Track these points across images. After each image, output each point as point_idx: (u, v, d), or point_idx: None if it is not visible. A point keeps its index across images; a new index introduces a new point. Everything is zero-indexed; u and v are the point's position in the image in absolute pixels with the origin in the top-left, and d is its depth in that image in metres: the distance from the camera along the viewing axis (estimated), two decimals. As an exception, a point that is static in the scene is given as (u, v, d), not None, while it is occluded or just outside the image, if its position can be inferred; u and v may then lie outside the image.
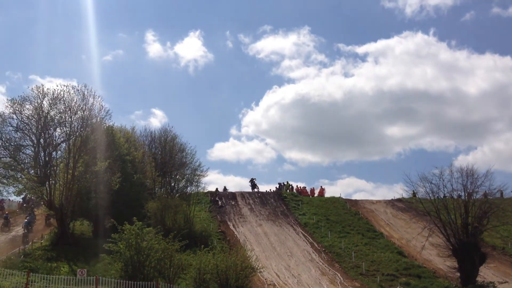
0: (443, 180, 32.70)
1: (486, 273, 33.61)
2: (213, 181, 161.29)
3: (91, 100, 34.95)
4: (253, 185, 58.39)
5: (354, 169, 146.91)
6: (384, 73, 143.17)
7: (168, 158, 46.11)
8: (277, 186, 60.57)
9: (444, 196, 33.07)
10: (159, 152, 47.14)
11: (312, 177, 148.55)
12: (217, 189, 56.89)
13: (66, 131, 34.58)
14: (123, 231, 25.63)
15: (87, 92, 34.87)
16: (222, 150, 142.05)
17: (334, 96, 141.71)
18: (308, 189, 60.86)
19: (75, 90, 34.75)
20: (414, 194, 50.39)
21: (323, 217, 47.70)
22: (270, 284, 30.79)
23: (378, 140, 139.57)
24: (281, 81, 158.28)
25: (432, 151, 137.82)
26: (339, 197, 56.81)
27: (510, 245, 40.52)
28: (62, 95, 34.30)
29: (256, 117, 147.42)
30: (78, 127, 34.52)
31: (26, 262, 29.48)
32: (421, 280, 32.92)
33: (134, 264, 25.24)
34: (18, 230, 38.49)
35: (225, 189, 57.93)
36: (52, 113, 34.70)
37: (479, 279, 30.52)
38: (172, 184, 45.92)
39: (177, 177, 45.95)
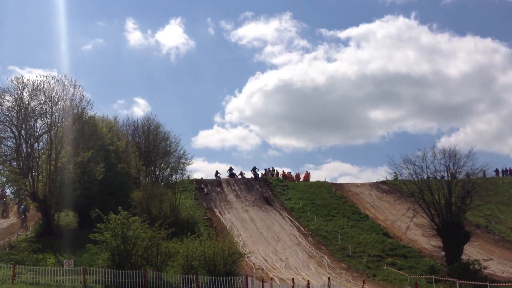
0: (426, 162, 33.11)
1: (470, 251, 34.18)
2: (198, 169, 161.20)
3: (71, 90, 34.62)
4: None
5: (338, 153, 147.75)
6: (366, 57, 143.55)
7: (152, 147, 45.85)
8: (263, 172, 60.27)
9: (428, 177, 33.43)
10: (143, 141, 46.82)
11: (297, 162, 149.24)
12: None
13: (47, 122, 34.22)
14: (109, 221, 25.54)
15: (68, 82, 34.52)
16: (206, 138, 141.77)
17: (317, 81, 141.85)
18: (293, 174, 61.09)
19: (55, 80, 34.38)
20: (396, 176, 51.14)
21: (308, 201, 47.97)
22: (258, 268, 30.96)
23: (361, 124, 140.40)
24: (264, 67, 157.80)
25: (415, 133, 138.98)
26: (324, 181, 57.15)
27: (493, 224, 41.20)
28: (42, 85, 33.92)
29: (239, 104, 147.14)
30: (60, 118, 34.19)
31: (11, 254, 29.31)
32: (407, 260, 33.38)
33: (121, 253, 25.21)
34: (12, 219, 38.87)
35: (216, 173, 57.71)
36: (32, 104, 34.34)
37: (463, 257, 31.01)
38: (157, 173, 45.74)
39: (162, 165, 45.75)
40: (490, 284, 22.08)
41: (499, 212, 41.20)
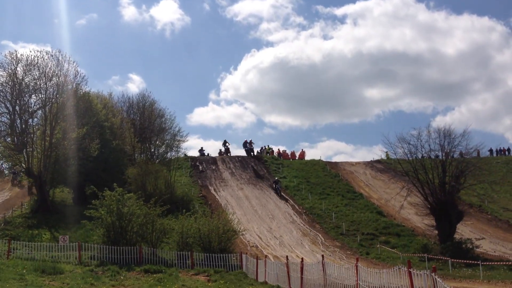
0: (421, 141, 33.09)
1: (463, 230, 34.47)
2: (193, 146, 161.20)
3: (66, 65, 34.35)
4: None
5: (334, 132, 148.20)
6: (362, 35, 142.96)
7: (147, 124, 45.75)
8: (259, 150, 60.20)
9: (422, 157, 33.49)
10: (138, 118, 46.71)
11: (293, 140, 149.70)
12: (202, 147, 57.24)
13: (42, 97, 34.07)
14: (104, 197, 25.59)
15: (62, 58, 34.23)
16: (202, 115, 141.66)
17: (313, 59, 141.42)
18: (288, 152, 61.14)
19: (49, 55, 34.11)
20: (387, 155, 51.31)
21: (303, 179, 48.14)
22: (253, 246, 31.18)
23: (357, 103, 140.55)
24: (260, 44, 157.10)
25: (411, 112, 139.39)
26: (319, 159, 57.28)
27: (486, 203, 41.49)
28: (36, 61, 33.65)
29: (234, 81, 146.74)
30: (54, 94, 33.96)
31: (7, 230, 29.43)
32: (400, 238, 33.66)
33: (116, 229, 25.33)
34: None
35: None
36: (26, 79, 34.11)
37: (456, 236, 31.24)
38: (152, 150, 45.71)
39: (157, 142, 45.72)
40: (482, 263, 22.28)
41: (492, 191, 41.41)
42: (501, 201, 43.16)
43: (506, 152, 65.06)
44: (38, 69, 33.71)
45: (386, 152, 36.07)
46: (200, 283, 20.57)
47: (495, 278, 20.43)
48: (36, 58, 33.60)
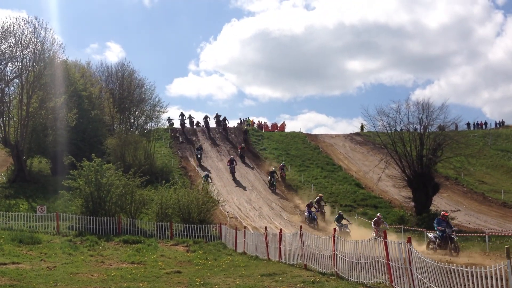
0: (400, 114, 33.41)
1: (439, 202, 35.11)
2: (173, 117, 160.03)
3: (42, 33, 33.54)
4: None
5: (314, 104, 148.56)
6: (345, 5, 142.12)
7: (126, 94, 45.13)
8: (239, 122, 60.21)
9: (401, 130, 33.86)
10: (117, 88, 45.99)
11: (273, 112, 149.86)
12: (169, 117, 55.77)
13: (18, 66, 33.34)
14: (82, 168, 25.41)
15: (38, 25, 33.41)
16: (182, 86, 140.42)
17: (294, 30, 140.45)
18: (269, 124, 61.19)
19: (26, 22, 33.22)
20: (362, 128, 51.75)
21: (283, 151, 48.34)
22: (232, 217, 31.33)
23: (339, 75, 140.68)
24: (240, 14, 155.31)
25: (391, 85, 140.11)
26: (299, 132, 57.48)
27: (462, 176, 42.23)
28: (12, 28, 32.76)
29: (215, 51, 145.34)
30: (31, 62, 33.27)
31: (-17, 200, 29.05)
32: (378, 210, 34.01)
33: (94, 200, 25.24)
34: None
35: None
36: (2, 47, 33.26)
37: (432, 208, 31.85)
38: (132, 121, 45.26)
39: (137, 113, 45.25)
40: (457, 235, 22.76)
41: (469, 164, 42.14)
42: (476, 174, 44.02)
43: (483, 126, 66.11)
44: (14, 37, 32.86)
45: (361, 124, 36.30)
46: (179, 253, 20.70)
47: (469, 249, 20.91)
48: (12, 25, 32.74)
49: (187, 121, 55.20)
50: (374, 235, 26.83)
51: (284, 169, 40.32)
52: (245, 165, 43.59)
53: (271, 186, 37.49)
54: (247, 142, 49.10)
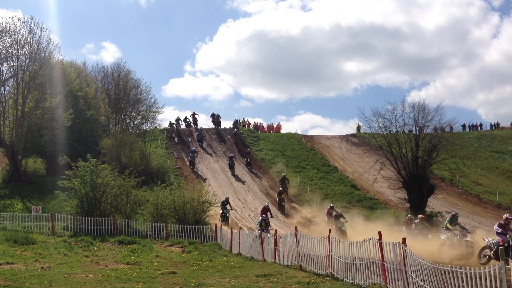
0: (396, 115, 33.47)
1: (434, 203, 35.20)
2: (169, 118, 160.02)
3: (38, 33, 33.49)
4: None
5: (310, 105, 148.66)
6: (342, 6, 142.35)
7: (122, 94, 44.99)
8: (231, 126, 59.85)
9: (397, 131, 33.91)
10: (113, 88, 45.83)
11: (269, 113, 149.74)
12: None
13: (14, 65, 33.29)
14: (78, 168, 25.35)
15: (34, 25, 33.37)
16: (178, 86, 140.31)
17: (291, 31, 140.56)
18: (265, 125, 61.23)
19: (21, 22, 33.17)
20: (358, 128, 51.84)
21: (279, 152, 48.34)
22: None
23: (335, 76, 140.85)
24: (236, 14, 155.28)
25: (387, 87, 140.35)
26: (295, 133, 57.50)
27: (457, 177, 42.33)
28: (8, 27, 32.69)
29: (211, 52, 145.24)
30: (26, 62, 33.21)
31: (-23, 200, 28.95)
32: (373, 211, 34.19)
33: (90, 200, 25.18)
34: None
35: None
36: (-3, 46, 33.13)
37: (427, 209, 31.92)
38: (127, 121, 45.14)
39: (132, 113, 45.12)
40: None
41: (464, 166, 42.26)
42: (472, 175, 44.13)
43: (478, 128, 66.32)
44: (10, 36, 32.79)
45: (357, 125, 36.29)
46: (175, 254, 20.67)
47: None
48: (7, 25, 32.66)
49: (183, 124, 55.15)
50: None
51: (285, 181, 37.92)
52: (241, 167, 43.57)
53: (281, 207, 34.34)
54: (237, 144, 49.04)
